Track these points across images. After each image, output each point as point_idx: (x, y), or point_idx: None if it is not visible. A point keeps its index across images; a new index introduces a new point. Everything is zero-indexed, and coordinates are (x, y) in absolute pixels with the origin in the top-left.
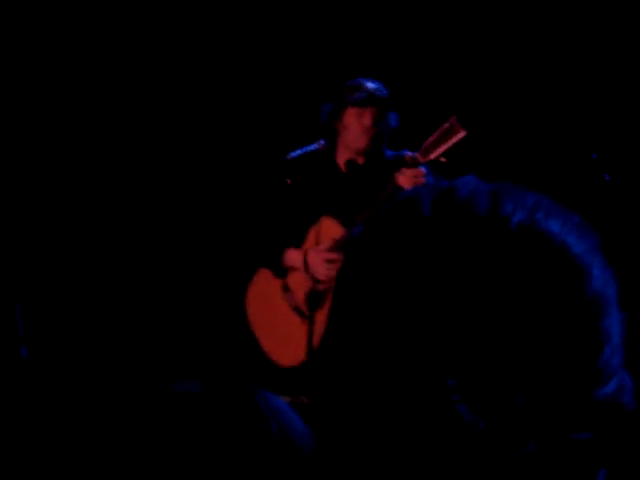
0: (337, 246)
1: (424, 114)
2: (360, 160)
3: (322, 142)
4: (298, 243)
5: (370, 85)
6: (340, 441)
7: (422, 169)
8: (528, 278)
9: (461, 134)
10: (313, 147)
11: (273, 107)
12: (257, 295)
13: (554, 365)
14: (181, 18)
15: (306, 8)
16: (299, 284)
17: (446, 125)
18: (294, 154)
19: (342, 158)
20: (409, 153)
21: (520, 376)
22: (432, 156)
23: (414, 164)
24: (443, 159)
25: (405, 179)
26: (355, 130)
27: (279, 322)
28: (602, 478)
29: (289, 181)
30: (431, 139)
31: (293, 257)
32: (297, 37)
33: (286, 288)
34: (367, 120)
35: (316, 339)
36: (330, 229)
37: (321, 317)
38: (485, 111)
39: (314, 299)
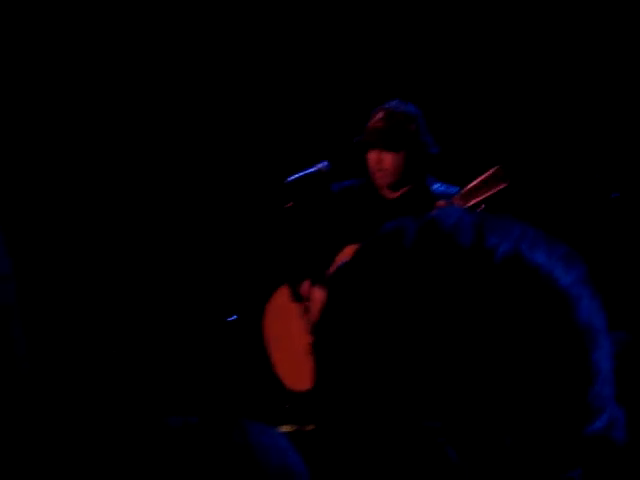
0: None
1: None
2: (402, 190)
3: (325, 164)
4: (324, 269)
5: (375, 122)
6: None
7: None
8: (514, 311)
9: (503, 184)
10: (313, 170)
11: (272, 128)
12: (276, 315)
13: (543, 401)
14: (182, 23)
15: (314, 27)
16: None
17: (490, 173)
18: (293, 177)
19: (385, 190)
20: (456, 190)
21: (509, 413)
22: (472, 202)
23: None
24: (482, 206)
25: None
26: (369, 169)
27: (296, 344)
28: None
29: (290, 204)
30: (473, 184)
31: (311, 291)
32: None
33: (306, 312)
34: (371, 162)
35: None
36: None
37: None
38: (527, 158)
39: None
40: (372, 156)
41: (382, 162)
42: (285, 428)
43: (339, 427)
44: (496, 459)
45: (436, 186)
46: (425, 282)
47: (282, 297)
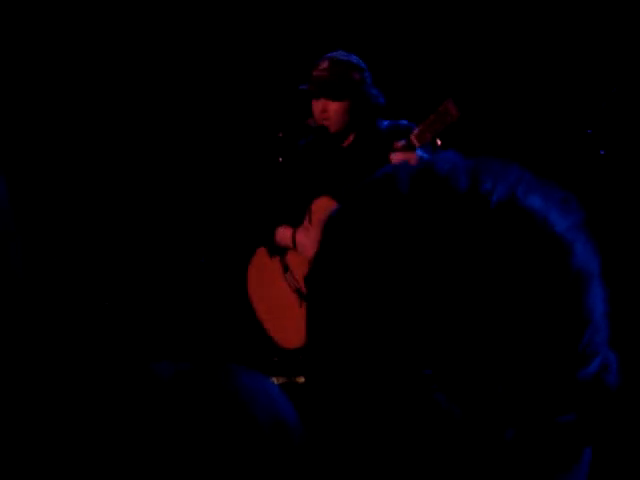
0: None
1: (418, 94)
2: (351, 136)
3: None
4: (297, 222)
5: (319, 72)
6: (326, 428)
7: (417, 153)
8: (508, 256)
9: (456, 115)
10: (306, 124)
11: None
12: (258, 276)
13: (535, 346)
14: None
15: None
16: (298, 264)
17: (441, 107)
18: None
19: (332, 135)
20: (405, 123)
21: (501, 360)
22: (427, 138)
23: (409, 148)
24: (439, 141)
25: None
26: (315, 117)
27: (281, 304)
28: (588, 457)
29: (280, 159)
30: (426, 122)
31: (283, 235)
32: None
33: (286, 268)
34: (315, 111)
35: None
36: (324, 208)
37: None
38: (479, 90)
39: None
40: (317, 105)
41: (326, 111)
42: (276, 380)
43: (331, 377)
44: (488, 405)
45: (385, 123)
46: (421, 227)
47: (261, 255)
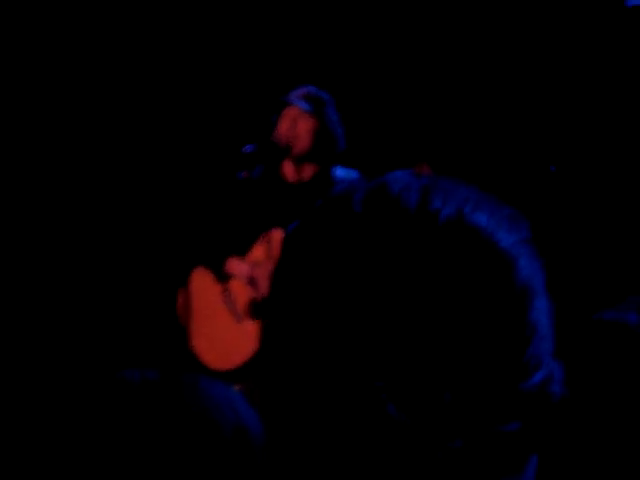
0: None
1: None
2: (307, 174)
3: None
4: (245, 248)
5: (296, 92)
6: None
7: None
8: (455, 271)
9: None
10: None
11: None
12: (197, 293)
13: (481, 357)
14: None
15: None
16: (240, 290)
17: (417, 169)
18: (250, 148)
19: (287, 168)
20: (356, 175)
21: (448, 370)
22: None
23: None
24: None
25: None
26: (280, 135)
27: (215, 325)
28: (534, 465)
29: (245, 174)
30: None
31: (237, 268)
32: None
33: (227, 292)
34: (284, 125)
35: (254, 347)
36: (274, 239)
37: (260, 325)
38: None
39: (254, 306)
40: (286, 120)
41: (296, 126)
42: (238, 386)
43: (286, 388)
44: (436, 414)
45: (338, 171)
46: (373, 245)
47: (199, 278)
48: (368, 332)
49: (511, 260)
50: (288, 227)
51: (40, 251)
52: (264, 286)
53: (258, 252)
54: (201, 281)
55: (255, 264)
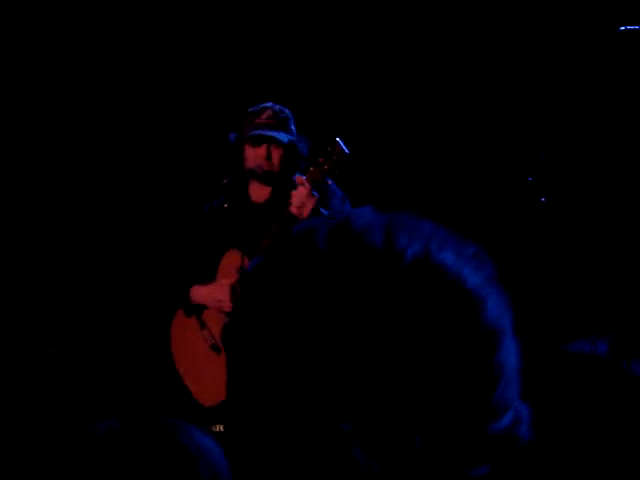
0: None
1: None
2: (267, 189)
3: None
4: (209, 278)
5: (264, 120)
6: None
7: (301, 189)
8: (422, 313)
9: (342, 154)
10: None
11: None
12: (178, 333)
13: (449, 400)
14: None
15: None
16: (214, 320)
17: (329, 148)
18: (227, 180)
19: (251, 188)
20: (299, 176)
21: (416, 415)
22: (318, 178)
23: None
24: (328, 182)
25: (293, 206)
26: (254, 162)
27: (199, 361)
28: None
29: (226, 205)
30: (316, 164)
31: (200, 294)
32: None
33: (202, 325)
34: (259, 155)
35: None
36: (233, 261)
37: None
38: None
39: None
40: (259, 152)
41: (272, 156)
42: (213, 428)
43: (252, 429)
44: (405, 458)
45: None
46: (337, 284)
47: (180, 315)
48: (333, 374)
49: (478, 300)
50: (250, 263)
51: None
52: (226, 306)
53: (231, 274)
54: (181, 321)
55: (211, 287)
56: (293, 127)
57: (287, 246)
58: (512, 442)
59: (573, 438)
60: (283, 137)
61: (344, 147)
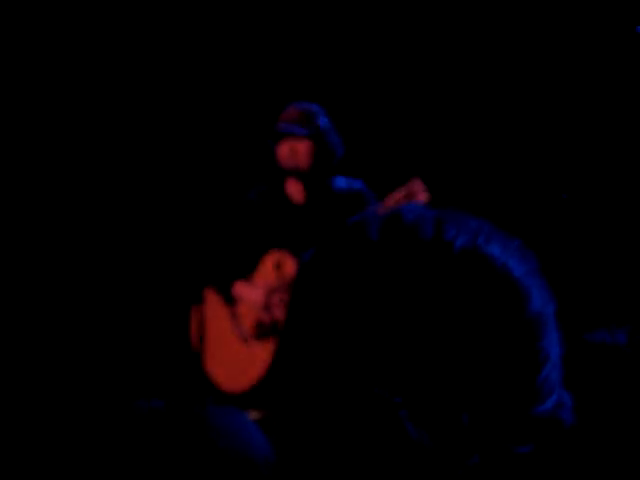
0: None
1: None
2: (299, 185)
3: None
4: (248, 271)
5: (287, 115)
6: (297, 457)
7: None
8: (470, 299)
9: (423, 197)
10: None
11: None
12: (203, 318)
13: (496, 381)
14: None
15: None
16: (246, 313)
17: (409, 186)
18: (255, 176)
19: (290, 188)
20: (359, 186)
21: (464, 393)
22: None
23: None
24: None
25: None
26: (281, 160)
27: (226, 349)
28: None
29: (251, 197)
30: (393, 196)
31: (244, 292)
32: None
33: (234, 316)
34: (283, 152)
35: (262, 369)
36: (284, 263)
37: (268, 347)
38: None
39: (261, 329)
40: (283, 148)
41: (295, 152)
42: (253, 413)
43: (304, 410)
44: (453, 433)
45: (339, 181)
46: (390, 272)
47: (209, 300)
48: (388, 356)
49: (524, 289)
50: (303, 255)
51: (47, 271)
52: (279, 312)
53: (268, 276)
54: (210, 304)
55: (270, 290)
56: (320, 122)
57: (341, 236)
58: (555, 425)
59: (596, 425)
60: (298, 130)
61: (424, 188)
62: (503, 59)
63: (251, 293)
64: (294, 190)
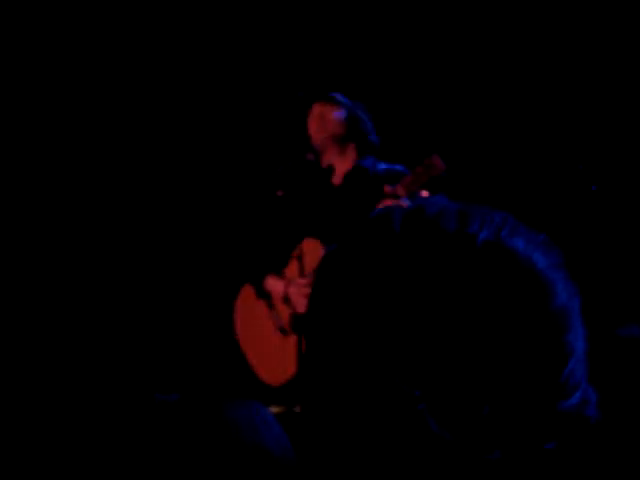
0: None
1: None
2: (347, 166)
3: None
4: (282, 263)
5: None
6: (320, 454)
7: (403, 202)
8: (494, 292)
9: (441, 169)
10: (306, 159)
11: (265, 117)
12: (245, 311)
13: (520, 377)
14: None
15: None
16: (283, 306)
17: (427, 160)
18: (283, 166)
19: (330, 166)
20: (401, 169)
21: (487, 387)
22: (413, 189)
23: (394, 197)
24: (425, 193)
25: None
26: (311, 130)
27: (265, 341)
28: None
29: (280, 193)
30: (412, 174)
31: (274, 285)
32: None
33: (272, 307)
34: (314, 116)
35: (300, 360)
36: (312, 252)
37: (302, 339)
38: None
39: (298, 320)
40: (315, 112)
41: (324, 120)
42: (274, 409)
43: (328, 403)
44: (474, 428)
45: (380, 166)
46: (413, 263)
47: (248, 293)
48: (410, 349)
49: (549, 282)
50: (327, 248)
51: (85, 270)
52: (300, 304)
53: (292, 268)
54: (248, 297)
55: (289, 282)
56: (358, 113)
57: (364, 228)
58: (580, 421)
59: (626, 418)
60: (331, 95)
61: (442, 162)
62: (517, 50)
63: (275, 285)
64: (331, 166)
